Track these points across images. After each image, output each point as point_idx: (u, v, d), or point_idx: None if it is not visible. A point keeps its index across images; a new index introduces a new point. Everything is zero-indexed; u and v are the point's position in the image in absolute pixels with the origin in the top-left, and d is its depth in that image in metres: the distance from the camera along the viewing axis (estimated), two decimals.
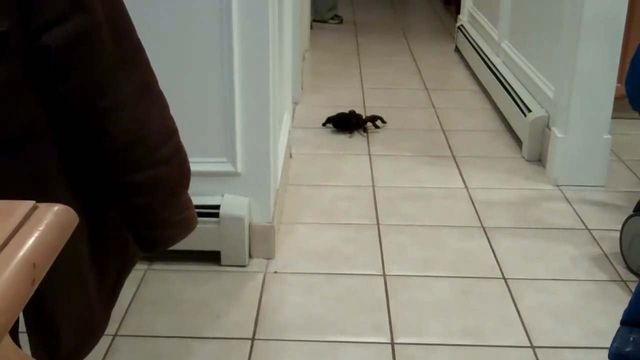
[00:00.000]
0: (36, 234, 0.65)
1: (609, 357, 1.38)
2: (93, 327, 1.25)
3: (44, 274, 0.65)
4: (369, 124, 3.16)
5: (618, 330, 1.37)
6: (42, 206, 0.69)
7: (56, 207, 0.69)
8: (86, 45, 1.04)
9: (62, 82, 1.05)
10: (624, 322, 1.37)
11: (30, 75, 1.04)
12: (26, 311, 1.14)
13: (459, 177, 2.73)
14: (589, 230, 2.35)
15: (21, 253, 0.63)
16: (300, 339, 1.79)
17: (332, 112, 3.19)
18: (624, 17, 2.50)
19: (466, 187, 2.64)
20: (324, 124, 3.16)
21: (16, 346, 0.77)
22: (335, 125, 3.15)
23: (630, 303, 1.39)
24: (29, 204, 0.68)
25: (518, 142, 2.99)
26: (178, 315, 1.87)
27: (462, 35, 4.32)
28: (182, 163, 1.24)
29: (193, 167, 1.28)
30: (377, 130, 3.17)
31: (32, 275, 0.62)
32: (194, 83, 1.96)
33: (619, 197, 2.58)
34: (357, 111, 3.22)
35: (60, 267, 1.03)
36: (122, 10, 1.11)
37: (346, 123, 3.14)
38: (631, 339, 1.33)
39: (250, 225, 2.08)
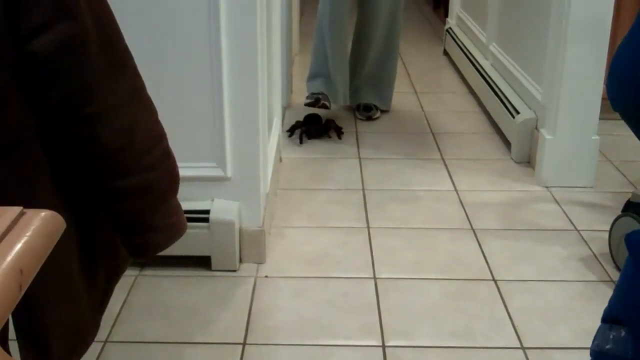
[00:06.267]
0: (23, 240, 0.65)
1: (590, 354, 1.39)
2: (83, 333, 1.25)
3: (31, 280, 0.65)
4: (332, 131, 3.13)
5: (599, 328, 1.38)
6: (30, 212, 0.69)
7: (43, 213, 0.69)
8: (74, 51, 1.04)
9: (50, 88, 1.05)
10: (604, 320, 1.38)
11: (18, 82, 1.04)
12: (16, 318, 1.14)
13: (449, 179, 2.74)
14: (578, 231, 2.36)
15: (8, 259, 0.63)
16: (291, 343, 1.79)
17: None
18: (610, 19, 2.52)
19: (455, 189, 2.65)
20: (289, 136, 3.09)
21: (6, 354, 0.77)
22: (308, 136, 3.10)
23: (610, 301, 1.40)
24: (16, 209, 0.68)
25: (507, 144, 3.00)
26: (169, 321, 1.87)
27: (451, 39, 4.34)
28: (171, 168, 1.24)
29: (182, 172, 1.28)
30: (367, 133, 3.17)
31: (19, 281, 0.62)
32: (182, 88, 1.97)
33: (608, 198, 2.59)
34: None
35: (49, 273, 1.03)
36: (109, 16, 1.11)
37: (319, 130, 3.10)
38: (611, 336, 1.34)
39: (240, 230, 2.08)
